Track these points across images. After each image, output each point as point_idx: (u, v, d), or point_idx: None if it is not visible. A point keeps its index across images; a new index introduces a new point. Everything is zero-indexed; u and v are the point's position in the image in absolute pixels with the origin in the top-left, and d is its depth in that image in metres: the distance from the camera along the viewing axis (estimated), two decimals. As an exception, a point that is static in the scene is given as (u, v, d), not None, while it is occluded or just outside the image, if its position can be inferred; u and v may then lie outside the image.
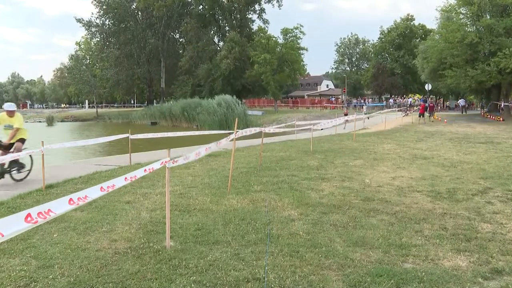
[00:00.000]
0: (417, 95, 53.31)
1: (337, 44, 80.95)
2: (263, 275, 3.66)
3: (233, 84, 52.23)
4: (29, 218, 2.37)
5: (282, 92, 57.65)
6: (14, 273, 3.76)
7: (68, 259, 4.09)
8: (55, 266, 3.92)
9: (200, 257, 4.11)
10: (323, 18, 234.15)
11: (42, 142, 7.47)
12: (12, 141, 8.18)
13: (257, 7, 58.53)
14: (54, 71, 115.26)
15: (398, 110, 37.08)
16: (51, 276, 3.70)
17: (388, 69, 59.25)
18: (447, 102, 55.03)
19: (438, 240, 4.60)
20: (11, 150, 8.10)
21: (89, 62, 73.55)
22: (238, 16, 58.66)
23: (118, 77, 62.75)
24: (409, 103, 45.68)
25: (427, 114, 29.55)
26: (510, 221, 5.30)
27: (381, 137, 17.65)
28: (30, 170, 8.67)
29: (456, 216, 5.54)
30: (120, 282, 3.58)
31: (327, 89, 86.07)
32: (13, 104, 8.61)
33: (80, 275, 3.72)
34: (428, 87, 41.80)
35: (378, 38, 64.58)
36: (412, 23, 60.21)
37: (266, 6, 67.15)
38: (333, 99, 63.41)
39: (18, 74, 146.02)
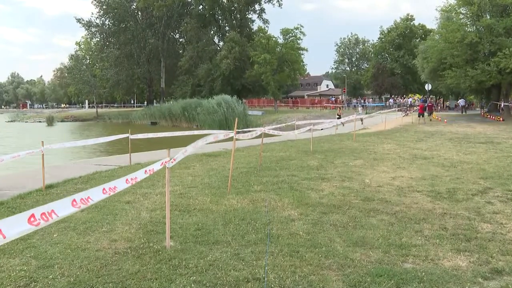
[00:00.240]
0: (417, 95, 53.31)
1: (337, 44, 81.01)
2: (263, 275, 3.66)
3: (233, 84, 52.21)
4: (32, 219, 2.36)
5: (282, 92, 57.63)
6: (14, 273, 3.76)
7: (68, 259, 4.09)
8: (55, 266, 3.92)
9: (200, 257, 4.11)
10: (323, 18, 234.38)
11: (42, 142, 7.47)
12: None
13: (257, 7, 58.51)
14: (54, 71, 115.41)
15: (398, 110, 37.07)
16: (51, 276, 3.70)
17: (388, 69, 59.24)
18: (447, 102, 55.01)
19: (438, 240, 4.60)
20: None
21: (89, 62, 73.50)
22: (238, 16, 58.62)
23: (118, 77, 62.71)
24: (409, 103, 45.69)
25: (427, 114, 29.54)
26: (510, 221, 5.30)
27: (381, 137, 17.65)
28: None
29: (456, 216, 5.54)
30: (120, 282, 3.58)
31: (327, 89, 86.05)
32: None
33: (80, 275, 3.72)
34: (428, 87, 41.80)
35: (378, 38, 64.61)
36: (412, 23, 60.21)
37: (266, 6, 67.02)
38: (333, 99, 63.37)
39: (18, 74, 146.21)
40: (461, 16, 31.54)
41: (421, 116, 28.33)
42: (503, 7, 29.36)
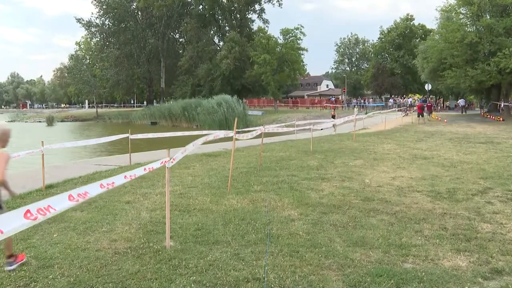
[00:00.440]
0: (417, 95, 53.30)
1: (337, 44, 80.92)
2: (263, 275, 3.66)
3: (233, 84, 52.21)
4: (28, 214, 2.36)
5: (282, 92, 57.61)
6: (14, 273, 3.76)
7: (68, 259, 4.09)
8: (55, 266, 3.92)
9: (200, 257, 4.11)
10: (323, 18, 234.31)
11: (42, 142, 7.48)
12: None
13: (257, 7, 58.52)
14: (54, 71, 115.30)
15: (398, 110, 37.07)
16: (51, 276, 3.70)
17: (388, 69, 59.20)
18: (447, 102, 55.02)
19: (438, 240, 4.60)
20: None
21: (89, 62, 73.49)
22: (238, 16, 58.62)
23: (118, 77, 62.70)
24: (409, 103, 45.68)
25: (426, 114, 29.54)
26: (510, 221, 5.30)
27: (381, 137, 17.65)
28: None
29: (456, 216, 5.54)
30: (120, 282, 3.58)
31: (327, 89, 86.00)
32: None
33: (80, 275, 3.72)
34: (428, 87, 41.78)
35: (378, 38, 64.53)
36: (412, 23, 60.15)
37: (266, 6, 66.92)
38: (333, 99, 63.37)
39: (17, 74, 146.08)
40: (461, 16, 31.52)
41: (420, 116, 28.34)
42: (503, 7, 29.35)
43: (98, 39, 67.01)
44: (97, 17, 63.54)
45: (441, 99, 58.01)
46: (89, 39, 72.09)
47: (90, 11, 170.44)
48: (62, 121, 64.10)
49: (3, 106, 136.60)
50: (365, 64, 77.43)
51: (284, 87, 58.41)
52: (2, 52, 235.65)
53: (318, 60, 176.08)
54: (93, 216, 5.56)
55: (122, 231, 4.96)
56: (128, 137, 10.89)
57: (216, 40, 63.10)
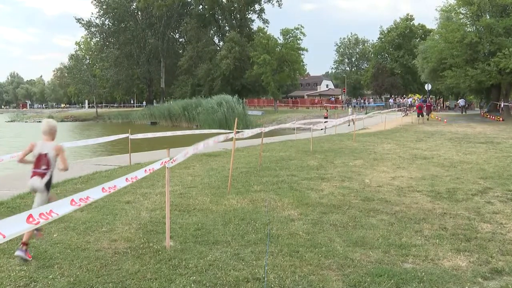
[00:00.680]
0: (417, 95, 53.31)
1: (337, 44, 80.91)
2: (263, 275, 3.66)
3: (232, 84, 52.21)
4: (30, 219, 2.37)
5: (282, 92, 57.60)
6: (14, 273, 3.76)
7: (68, 259, 4.09)
8: (55, 266, 3.92)
9: (200, 257, 4.11)
10: (323, 18, 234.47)
11: (42, 142, 7.46)
12: None
13: (257, 7, 58.54)
14: (54, 71, 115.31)
15: (398, 110, 37.08)
16: (51, 276, 3.70)
17: (388, 69, 59.19)
18: (447, 102, 55.04)
19: (438, 240, 4.60)
20: None
21: (89, 62, 73.48)
22: (238, 16, 58.63)
23: (118, 77, 62.72)
24: (409, 103, 45.69)
25: (425, 114, 29.56)
26: (510, 221, 5.30)
27: (381, 137, 17.65)
28: None
29: (456, 216, 5.54)
30: (120, 282, 3.58)
31: (327, 89, 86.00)
32: None
33: (80, 275, 3.72)
34: (428, 87, 41.78)
35: (378, 38, 64.52)
36: (412, 23, 60.16)
37: (266, 6, 66.96)
38: (333, 99, 63.38)
39: (17, 74, 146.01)
40: (461, 16, 31.52)
41: (420, 116, 28.36)
42: (503, 7, 29.36)
43: (98, 39, 67.04)
44: (97, 17, 63.67)
45: (441, 99, 58.02)
46: (89, 39, 72.13)
47: (90, 11, 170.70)
48: (62, 121, 64.00)
49: (3, 106, 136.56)
50: (365, 64, 77.41)
51: (284, 87, 58.39)
52: (2, 52, 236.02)
53: (318, 60, 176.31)
54: (93, 216, 5.56)
55: (122, 231, 4.96)
56: (128, 137, 10.89)
57: (216, 40, 63.18)
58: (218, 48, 58.36)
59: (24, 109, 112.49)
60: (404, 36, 58.95)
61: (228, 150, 12.48)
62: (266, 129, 10.65)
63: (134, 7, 63.88)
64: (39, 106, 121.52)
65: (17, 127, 50.17)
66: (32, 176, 4.12)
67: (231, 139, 8.14)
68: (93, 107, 79.05)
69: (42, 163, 4.12)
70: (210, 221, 5.34)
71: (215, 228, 5.02)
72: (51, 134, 4.40)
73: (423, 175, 8.56)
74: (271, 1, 58.12)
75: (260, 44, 48.27)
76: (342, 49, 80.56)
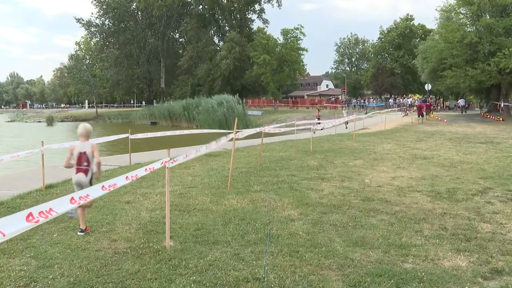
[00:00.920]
0: (417, 95, 53.29)
1: (337, 44, 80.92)
2: (263, 275, 3.66)
3: (232, 84, 52.23)
4: (30, 217, 2.37)
5: (281, 92, 57.61)
6: (14, 273, 3.76)
7: (68, 259, 4.09)
8: (55, 266, 3.92)
9: (200, 257, 4.11)
10: (323, 18, 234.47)
11: (42, 142, 7.47)
12: None
13: (257, 7, 58.55)
14: (54, 71, 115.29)
15: (398, 110, 37.08)
16: (51, 276, 3.70)
17: (388, 69, 59.19)
18: (447, 102, 55.04)
19: (438, 240, 4.60)
20: None
21: (89, 62, 73.48)
22: (238, 16, 58.63)
23: (118, 77, 62.71)
24: (409, 103, 45.69)
25: (424, 113, 29.56)
26: (510, 221, 5.30)
27: (381, 137, 17.65)
28: None
29: (456, 216, 5.54)
30: (120, 282, 3.58)
31: (327, 89, 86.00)
32: None
33: (80, 275, 3.72)
34: (428, 87, 41.78)
35: (378, 38, 64.50)
36: (412, 23, 60.16)
37: (266, 6, 67.01)
38: (333, 99, 63.36)
39: (17, 74, 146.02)
40: (461, 16, 31.52)
41: (420, 116, 28.37)
42: (503, 7, 29.35)
43: (98, 39, 67.05)
44: (97, 17, 63.67)
45: (441, 99, 58.01)
46: (89, 39, 72.15)
47: (90, 11, 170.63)
48: (62, 121, 64.05)
49: (3, 106, 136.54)
50: (365, 64, 77.43)
51: (284, 87, 58.41)
52: (2, 52, 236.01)
53: (318, 60, 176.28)
54: (93, 216, 5.56)
55: (122, 231, 4.96)
56: (128, 137, 10.89)
57: (216, 40, 63.16)
58: (218, 48, 58.37)
59: (24, 109, 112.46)
60: (404, 36, 58.95)
61: (228, 150, 12.48)
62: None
63: (134, 7, 63.88)
64: (39, 106, 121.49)
65: (17, 127, 50.18)
66: (76, 172, 4.86)
67: (231, 139, 8.13)
68: (93, 107, 79.04)
69: (83, 160, 4.88)
70: (210, 221, 5.34)
71: (215, 228, 5.02)
72: (87, 135, 5.10)
73: (423, 175, 8.56)
74: (271, 1, 58.18)
75: (260, 44, 48.28)
76: (342, 49, 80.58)
